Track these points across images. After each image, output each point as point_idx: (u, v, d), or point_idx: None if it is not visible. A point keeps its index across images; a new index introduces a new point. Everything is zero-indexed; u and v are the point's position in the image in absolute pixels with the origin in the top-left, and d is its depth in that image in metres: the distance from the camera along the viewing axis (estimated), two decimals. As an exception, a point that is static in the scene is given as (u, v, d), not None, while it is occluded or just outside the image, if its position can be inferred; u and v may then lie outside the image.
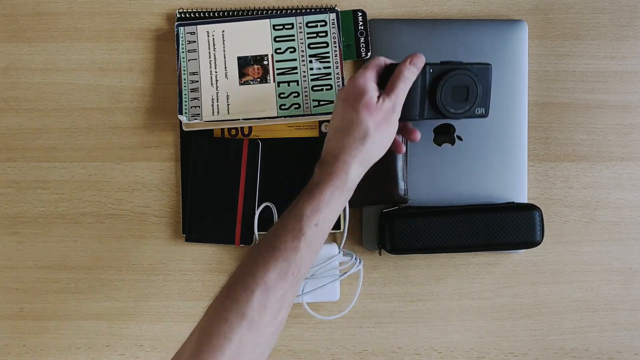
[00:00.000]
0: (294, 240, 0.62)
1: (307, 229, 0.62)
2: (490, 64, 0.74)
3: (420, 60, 0.69)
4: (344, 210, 0.82)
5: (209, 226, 0.86)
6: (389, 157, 0.82)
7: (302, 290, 0.82)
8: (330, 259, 0.82)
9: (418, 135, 0.75)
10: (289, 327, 0.87)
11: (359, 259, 0.83)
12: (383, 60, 0.70)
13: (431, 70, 0.71)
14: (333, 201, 0.65)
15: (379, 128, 0.66)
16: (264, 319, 0.59)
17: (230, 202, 0.86)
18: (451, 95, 0.72)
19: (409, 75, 0.68)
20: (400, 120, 0.69)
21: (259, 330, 0.59)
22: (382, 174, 0.82)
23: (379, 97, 0.67)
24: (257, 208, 0.85)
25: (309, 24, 0.86)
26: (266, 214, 0.85)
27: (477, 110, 0.74)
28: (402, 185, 0.82)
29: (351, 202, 0.82)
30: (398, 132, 0.72)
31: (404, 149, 0.76)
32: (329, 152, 0.67)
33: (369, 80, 0.67)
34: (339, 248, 0.84)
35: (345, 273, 0.82)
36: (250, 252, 0.64)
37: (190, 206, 0.86)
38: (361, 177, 0.68)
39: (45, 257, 0.88)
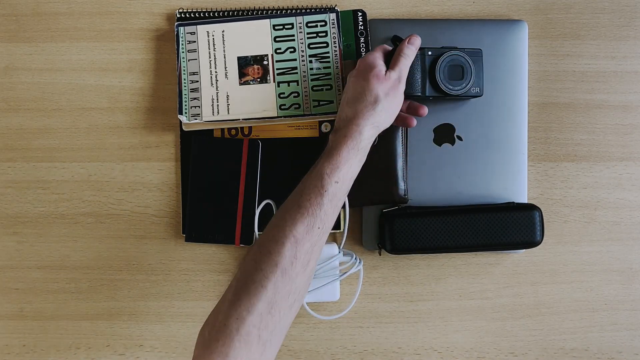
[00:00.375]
0: (317, 197, 0.68)
1: (328, 186, 0.68)
2: (480, 49, 0.82)
3: (417, 40, 0.78)
4: (344, 210, 0.82)
5: (209, 226, 0.86)
6: (389, 157, 0.82)
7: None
8: (330, 259, 0.82)
9: (425, 110, 0.80)
10: (289, 327, 0.87)
11: (359, 259, 0.83)
12: (386, 47, 0.79)
13: (429, 53, 0.80)
14: (350, 159, 0.70)
15: (388, 95, 0.73)
16: (295, 268, 0.64)
17: (230, 202, 0.86)
18: (448, 74, 0.80)
19: (409, 52, 0.77)
20: (405, 97, 0.78)
21: (291, 278, 0.64)
22: (382, 174, 0.82)
23: (386, 71, 0.75)
24: (258, 207, 0.85)
25: (309, 24, 0.86)
26: (267, 214, 0.85)
27: (473, 90, 0.81)
28: (402, 185, 0.82)
29: (351, 202, 0.82)
30: (407, 111, 0.81)
31: (414, 122, 0.80)
32: (343, 119, 0.74)
33: (378, 58, 0.76)
34: (339, 248, 0.84)
35: (345, 273, 0.82)
36: (277, 212, 0.69)
37: (190, 206, 0.86)
38: (373, 138, 0.74)
39: (45, 257, 0.88)
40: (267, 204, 0.85)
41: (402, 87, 0.75)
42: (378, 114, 0.73)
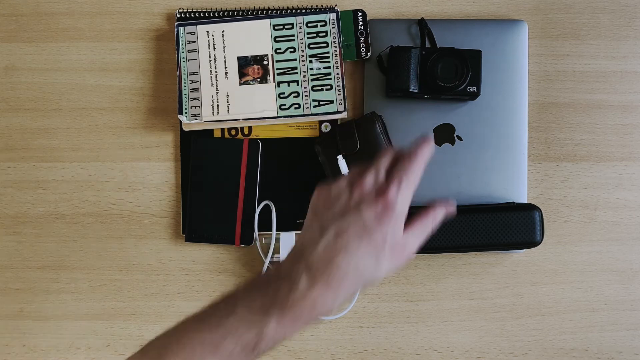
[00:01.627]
0: (243, 355, 0.53)
1: (264, 346, 0.53)
2: (479, 50, 0.82)
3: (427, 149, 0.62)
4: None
5: (209, 226, 0.86)
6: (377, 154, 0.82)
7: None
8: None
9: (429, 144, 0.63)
10: (289, 327, 0.87)
11: None
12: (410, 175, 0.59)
13: (423, 52, 0.81)
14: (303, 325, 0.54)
15: (386, 270, 0.57)
16: None
17: (230, 202, 0.86)
18: (441, 71, 0.81)
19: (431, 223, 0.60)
20: (398, 91, 0.78)
21: None
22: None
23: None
24: (257, 207, 0.85)
25: (309, 24, 0.86)
26: (267, 213, 0.85)
27: (469, 88, 0.81)
28: None
29: None
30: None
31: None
32: (315, 261, 0.55)
33: (408, 200, 0.58)
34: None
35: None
36: (186, 336, 0.56)
37: (190, 206, 0.86)
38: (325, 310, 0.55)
39: (45, 257, 0.88)
40: (266, 204, 0.85)
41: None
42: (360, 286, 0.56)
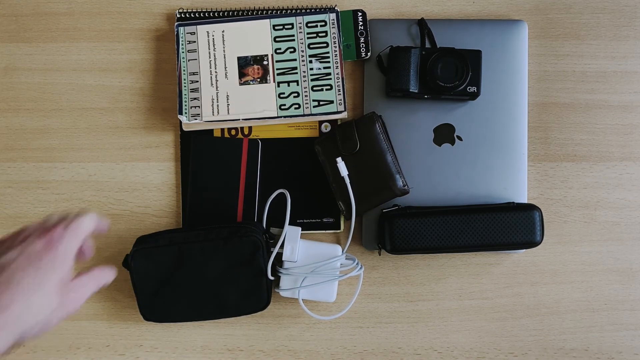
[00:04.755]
0: None
1: None
2: (479, 50, 0.82)
3: (103, 276, 0.61)
4: (350, 212, 0.82)
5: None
6: (377, 156, 0.82)
7: (300, 285, 0.82)
8: (332, 259, 0.82)
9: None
10: (289, 327, 0.87)
11: (361, 265, 0.83)
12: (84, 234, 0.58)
13: (423, 52, 0.82)
14: None
15: (55, 312, 0.55)
16: None
17: (230, 202, 0.86)
18: (441, 71, 0.81)
19: (93, 285, 0.60)
20: (398, 91, 0.80)
21: None
22: (375, 174, 0.82)
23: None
24: (268, 199, 0.85)
25: (309, 24, 0.86)
26: (267, 212, 0.85)
27: (469, 89, 0.82)
28: (398, 177, 0.82)
29: (358, 211, 0.82)
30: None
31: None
32: None
33: (74, 249, 0.57)
34: (342, 250, 0.84)
35: (344, 275, 0.82)
36: None
37: (190, 205, 0.86)
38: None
39: (45, 257, 0.87)
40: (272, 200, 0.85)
41: (73, 311, 0.57)
42: (31, 327, 0.53)
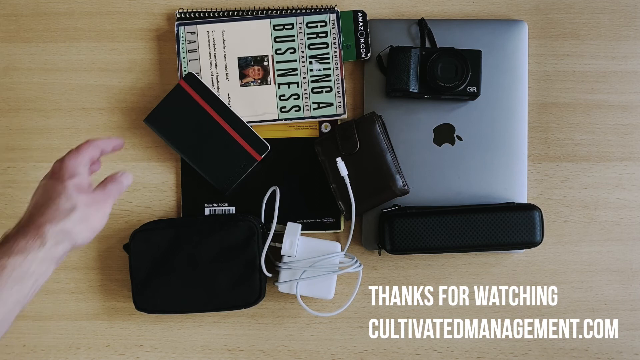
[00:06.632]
0: None
1: None
2: (479, 50, 0.82)
3: (127, 180, 0.69)
4: (350, 212, 0.82)
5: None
6: (377, 156, 0.82)
7: (299, 277, 0.82)
8: (332, 254, 0.81)
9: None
10: (289, 327, 0.87)
11: (360, 263, 0.83)
12: (97, 145, 0.68)
13: (423, 52, 0.82)
14: (21, 278, 0.59)
15: (88, 207, 0.63)
16: None
17: (219, 137, 0.85)
18: (441, 71, 0.81)
19: (116, 188, 0.68)
20: (398, 91, 0.79)
21: None
22: (375, 174, 0.82)
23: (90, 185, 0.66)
24: (264, 197, 0.85)
25: (309, 25, 0.86)
26: (267, 210, 0.85)
27: (469, 89, 0.82)
28: (398, 177, 0.82)
29: (358, 211, 0.82)
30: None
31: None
32: (22, 224, 0.61)
33: (81, 165, 0.65)
34: (342, 248, 0.84)
35: (343, 270, 0.82)
36: None
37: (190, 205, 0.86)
38: (61, 254, 0.62)
39: (46, 257, 0.87)
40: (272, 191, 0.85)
41: (108, 209, 0.66)
42: (73, 222, 0.61)
